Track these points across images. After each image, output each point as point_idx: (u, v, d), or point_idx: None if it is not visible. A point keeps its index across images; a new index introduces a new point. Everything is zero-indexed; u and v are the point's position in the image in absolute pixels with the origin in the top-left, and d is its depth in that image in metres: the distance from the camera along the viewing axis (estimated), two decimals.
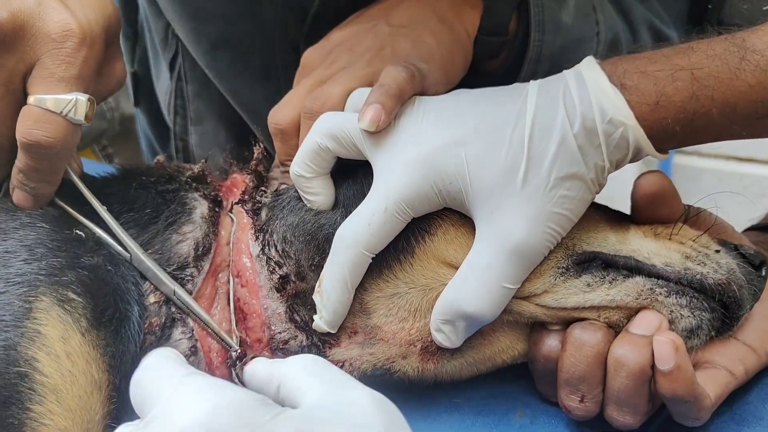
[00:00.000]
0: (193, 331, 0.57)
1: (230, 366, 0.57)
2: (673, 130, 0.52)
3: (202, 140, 1.00)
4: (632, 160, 0.55)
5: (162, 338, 0.56)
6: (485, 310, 0.54)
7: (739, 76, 0.51)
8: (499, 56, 0.75)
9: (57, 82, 0.53)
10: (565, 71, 0.57)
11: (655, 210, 0.59)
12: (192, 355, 0.56)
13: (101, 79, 0.59)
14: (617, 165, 0.55)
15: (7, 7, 0.52)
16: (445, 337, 0.56)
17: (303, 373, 0.45)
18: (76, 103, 0.53)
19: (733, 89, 0.52)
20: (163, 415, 0.39)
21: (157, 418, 0.40)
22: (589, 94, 0.53)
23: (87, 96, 0.54)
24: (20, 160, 0.55)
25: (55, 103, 0.52)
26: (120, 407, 0.52)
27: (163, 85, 1.01)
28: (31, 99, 0.53)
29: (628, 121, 0.52)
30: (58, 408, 0.46)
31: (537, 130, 0.53)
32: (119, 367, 0.52)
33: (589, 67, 0.55)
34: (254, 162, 0.65)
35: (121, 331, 0.53)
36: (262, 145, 0.66)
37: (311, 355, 0.47)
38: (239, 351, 0.57)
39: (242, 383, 0.53)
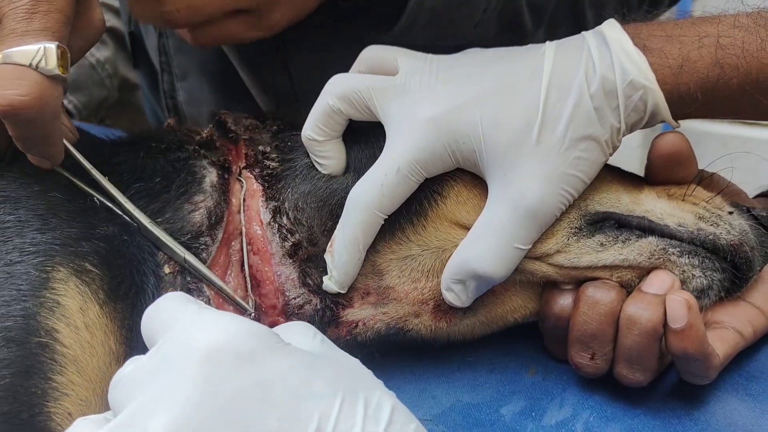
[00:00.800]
0: (209, 300, 0.58)
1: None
2: (693, 96, 0.52)
3: (189, 97, 0.99)
4: (646, 125, 0.54)
5: None
6: (496, 271, 0.54)
7: (765, 47, 0.51)
8: None
9: (21, 37, 0.49)
10: (584, 32, 0.56)
11: (671, 171, 0.59)
12: None
13: (77, 32, 0.55)
14: (632, 128, 0.55)
15: None
16: (455, 297, 0.57)
17: (298, 331, 0.46)
18: (44, 51, 0.49)
19: (758, 61, 0.51)
20: (180, 339, 0.39)
21: (171, 341, 0.39)
22: (611, 55, 0.52)
23: (56, 43, 0.50)
24: (8, 130, 0.52)
25: (21, 54, 0.49)
26: None
27: (151, 42, 1.00)
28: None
29: (650, 83, 0.52)
30: (79, 379, 0.47)
31: (553, 90, 0.53)
32: (137, 340, 0.52)
33: (612, 28, 0.54)
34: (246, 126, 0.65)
35: (137, 304, 0.53)
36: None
37: (305, 323, 0.48)
38: (254, 314, 0.58)
39: None
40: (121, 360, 0.51)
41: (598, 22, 0.56)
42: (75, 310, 0.49)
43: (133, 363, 0.40)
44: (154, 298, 0.54)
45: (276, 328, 0.46)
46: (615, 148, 0.55)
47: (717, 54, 0.51)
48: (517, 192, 0.53)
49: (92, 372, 0.48)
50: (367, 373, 0.43)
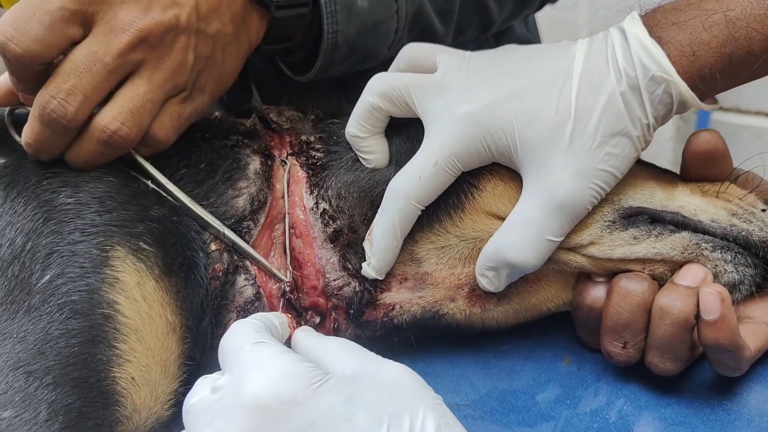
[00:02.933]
0: (255, 278, 0.61)
1: (281, 296, 0.62)
2: (713, 77, 0.53)
3: None
4: (678, 113, 0.56)
5: (226, 284, 0.60)
6: (528, 261, 0.57)
7: None
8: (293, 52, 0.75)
9: None
10: (611, 28, 0.58)
11: (706, 168, 0.61)
12: (256, 301, 0.61)
13: None
14: (662, 120, 0.57)
15: None
16: (489, 282, 0.59)
17: (339, 349, 0.50)
18: None
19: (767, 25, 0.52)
20: (233, 385, 0.44)
21: (227, 386, 0.45)
22: (630, 51, 0.54)
23: None
24: None
25: None
26: (193, 346, 0.56)
27: None
28: None
29: (670, 76, 0.53)
30: (139, 346, 0.51)
31: (584, 88, 0.55)
32: (191, 311, 0.56)
33: (632, 22, 0.56)
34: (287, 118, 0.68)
35: (190, 277, 0.57)
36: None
37: (345, 339, 0.52)
38: (289, 282, 0.61)
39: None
40: (177, 330, 0.54)
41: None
42: (133, 285, 0.52)
43: (199, 394, 0.46)
44: (206, 271, 0.58)
45: (317, 349, 0.50)
46: (647, 143, 0.57)
47: (728, 29, 0.52)
48: (549, 186, 0.55)
49: (151, 340, 0.52)
50: (411, 387, 0.45)
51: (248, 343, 0.46)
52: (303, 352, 0.51)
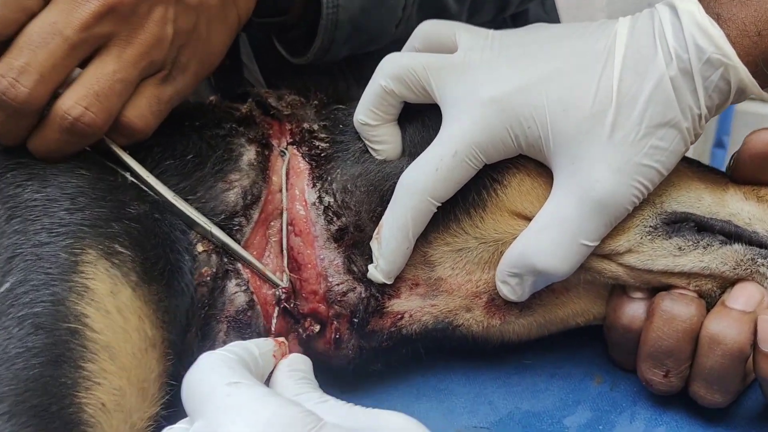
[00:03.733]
0: (248, 283, 0.56)
1: (276, 304, 0.57)
2: None
3: None
4: (735, 102, 0.51)
5: (215, 290, 0.55)
6: (558, 267, 0.52)
7: None
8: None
9: None
10: (658, 4, 0.53)
11: (763, 171, 0.56)
12: (249, 310, 0.56)
13: None
14: (717, 110, 0.52)
15: None
16: (511, 290, 0.55)
17: (326, 399, 0.44)
18: None
19: None
20: None
21: None
22: (683, 30, 0.49)
23: None
24: None
25: None
26: (177, 363, 0.51)
27: None
28: None
29: (729, 60, 0.48)
30: (111, 366, 0.46)
31: (628, 72, 0.50)
32: (174, 323, 0.51)
33: None
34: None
35: (173, 284, 0.52)
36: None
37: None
38: (286, 287, 0.57)
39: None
40: (157, 345, 0.49)
41: None
42: (105, 294, 0.48)
43: None
44: (192, 277, 0.54)
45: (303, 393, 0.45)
46: (697, 136, 0.52)
47: None
48: (586, 182, 0.51)
49: (126, 359, 0.47)
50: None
51: (222, 384, 0.40)
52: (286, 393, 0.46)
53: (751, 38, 0.49)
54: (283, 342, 0.51)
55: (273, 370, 0.49)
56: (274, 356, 0.49)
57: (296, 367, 0.49)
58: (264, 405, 0.39)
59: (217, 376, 0.41)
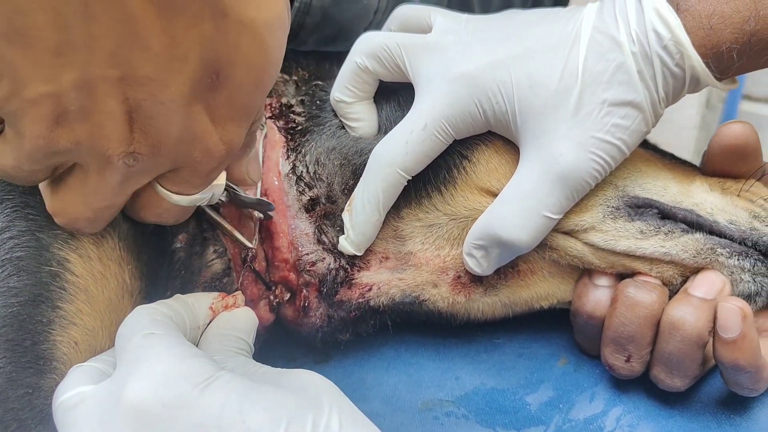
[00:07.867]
0: (227, 250, 0.58)
1: (242, 262, 0.58)
2: (729, 56, 0.51)
3: None
4: (691, 92, 0.54)
5: (193, 255, 0.57)
6: (522, 238, 0.54)
7: None
8: None
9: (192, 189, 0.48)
10: None
11: (732, 163, 0.58)
12: (225, 277, 0.58)
13: None
14: (674, 97, 0.54)
15: None
16: (476, 263, 0.56)
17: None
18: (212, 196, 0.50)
19: None
20: (116, 384, 0.41)
21: (110, 383, 0.41)
22: (644, 17, 0.52)
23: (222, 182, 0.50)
24: None
25: (190, 200, 0.49)
26: None
27: None
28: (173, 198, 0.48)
29: (684, 48, 0.51)
30: (87, 308, 0.48)
31: (593, 53, 0.52)
32: (153, 277, 0.53)
33: None
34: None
35: (153, 241, 0.54)
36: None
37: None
38: (254, 249, 0.58)
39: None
40: (134, 294, 0.51)
41: None
42: (89, 241, 0.50)
43: (74, 389, 0.42)
44: (172, 239, 0.55)
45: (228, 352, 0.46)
46: (658, 118, 0.54)
47: (756, 6, 0.49)
48: (549, 156, 0.53)
49: (102, 303, 0.49)
50: (315, 386, 0.42)
51: (138, 335, 0.43)
52: (207, 343, 0.48)
53: (705, 30, 0.50)
54: (233, 296, 0.53)
55: (210, 323, 0.51)
56: (211, 308, 0.51)
57: (232, 324, 0.51)
58: (168, 356, 0.41)
59: (137, 327, 0.44)
